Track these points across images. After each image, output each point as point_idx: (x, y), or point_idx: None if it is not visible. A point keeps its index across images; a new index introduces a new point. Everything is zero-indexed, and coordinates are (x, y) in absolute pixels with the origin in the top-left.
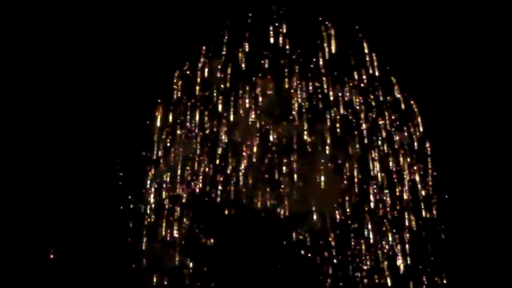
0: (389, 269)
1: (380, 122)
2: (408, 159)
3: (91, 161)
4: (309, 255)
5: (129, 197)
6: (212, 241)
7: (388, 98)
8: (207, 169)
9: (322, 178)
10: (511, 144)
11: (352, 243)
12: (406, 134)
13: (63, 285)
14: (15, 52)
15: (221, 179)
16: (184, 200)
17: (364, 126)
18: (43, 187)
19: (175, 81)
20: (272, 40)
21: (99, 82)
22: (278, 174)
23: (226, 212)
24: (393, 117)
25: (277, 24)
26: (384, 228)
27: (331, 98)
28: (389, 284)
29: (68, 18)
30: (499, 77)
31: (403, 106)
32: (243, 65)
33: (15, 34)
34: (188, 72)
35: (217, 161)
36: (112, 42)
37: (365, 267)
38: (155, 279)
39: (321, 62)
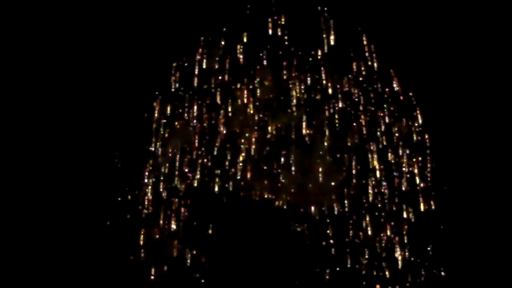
0: (387, 262)
1: (379, 115)
2: (407, 151)
3: (88, 153)
4: (307, 246)
5: (127, 189)
6: (210, 232)
7: (387, 89)
8: (205, 160)
9: (320, 169)
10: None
11: (350, 235)
12: (404, 126)
13: (60, 278)
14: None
15: (219, 171)
16: (182, 192)
17: (362, 118)
18: (40, 178)
19: (173, 72)
20: (270, 31)
21: (96, 74)
22: (276, 166)
23: (224, 203)
24: (391, 108)
25: (276, 17)
26: (382, 220)
27: (330, 90)
28: (388, 276)
29: (62, 9)
30: (499, 69)
31: (401, 98)
32: (241, 57)
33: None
34: (186, 64)
35: (215, 153)
36: (108, 34)
37: (363, 259)
38: (153, 271)
39: (319, 53)
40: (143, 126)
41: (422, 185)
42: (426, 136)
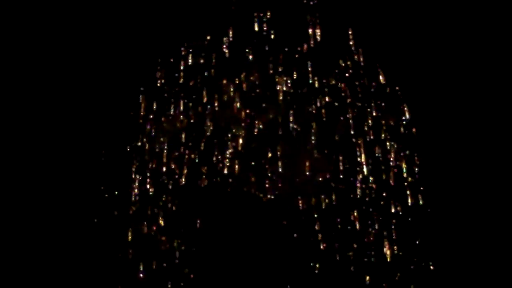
0: (376, 255)
1: (366, 110)
2: (395, 146)
3: (73, 150)
4: (296, 240)
5: (114, 185)
6: (198, 226)
7: (373, 83)
8: (192, 156)
9: (307, 164)
10: (500, 131)
11: (338, 229)
12: (392, 120)
13: (47, 277)
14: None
15: (206, 167)
16: (169, 187)
17: (349, 112)
18: (25, 175)
19: (158, 68)
20: (256, 27)
21: (79, 70)
22: (264, 161)
23: (212, 198)
24: (378, 102)
25: (261, 14)
26: (370, 214)
27: (316, 84)
28: (376, 270)
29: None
30: (489, 64)
31: (388, 90)
32: (226, 51)
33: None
34: (172, 60)
35: (202, 148)
36: (92, 30)
37: (352, 254)
38: (141, 267)
39: (305, 48)
40: (129, 122)
41: (410, 179)
42: (414, 130)
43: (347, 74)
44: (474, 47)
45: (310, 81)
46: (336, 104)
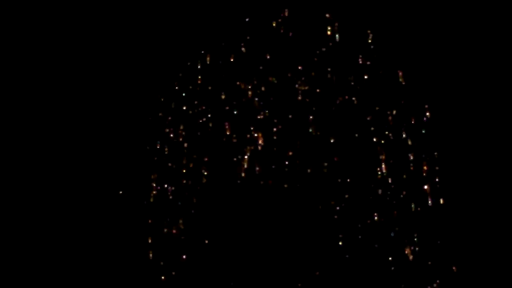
0: (397, 257)
1: (386, 108)
2: (415, 145)
3: (92, 154)
4: (315, 240)
5: (134, 187)
6: (217, 226)
7: (393, 84)
8: (211, 157)
9: (326, 164)
10: None
11: (358, 229)
12: (412, 120)
13: (63, 282)
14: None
15: (224, 169)
16: (188, 191)
17: (368, 112)
18: (44, 177)
19: (177, 70)
20: (274, 24)
21: (100, 74)
22: (283, 162)
23: (231, 200)
24: (398, 102)
25: (280, 18)
26: (390, 210)
27: (335, 86)
28: (398, 271)
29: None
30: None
31: (405, 84)
32: (243, 49)
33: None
34: (189, 63)
35: (221, 150)
36: (111, 32)
37: (372, 254)
38: (162, 270)
39: (323, 49)
40: (147, 123)
41: (430, 179)
42: (434, 130)
43: (366, 76)
44: (497, 45)
45: (328, 77)
46: (355, 102)
